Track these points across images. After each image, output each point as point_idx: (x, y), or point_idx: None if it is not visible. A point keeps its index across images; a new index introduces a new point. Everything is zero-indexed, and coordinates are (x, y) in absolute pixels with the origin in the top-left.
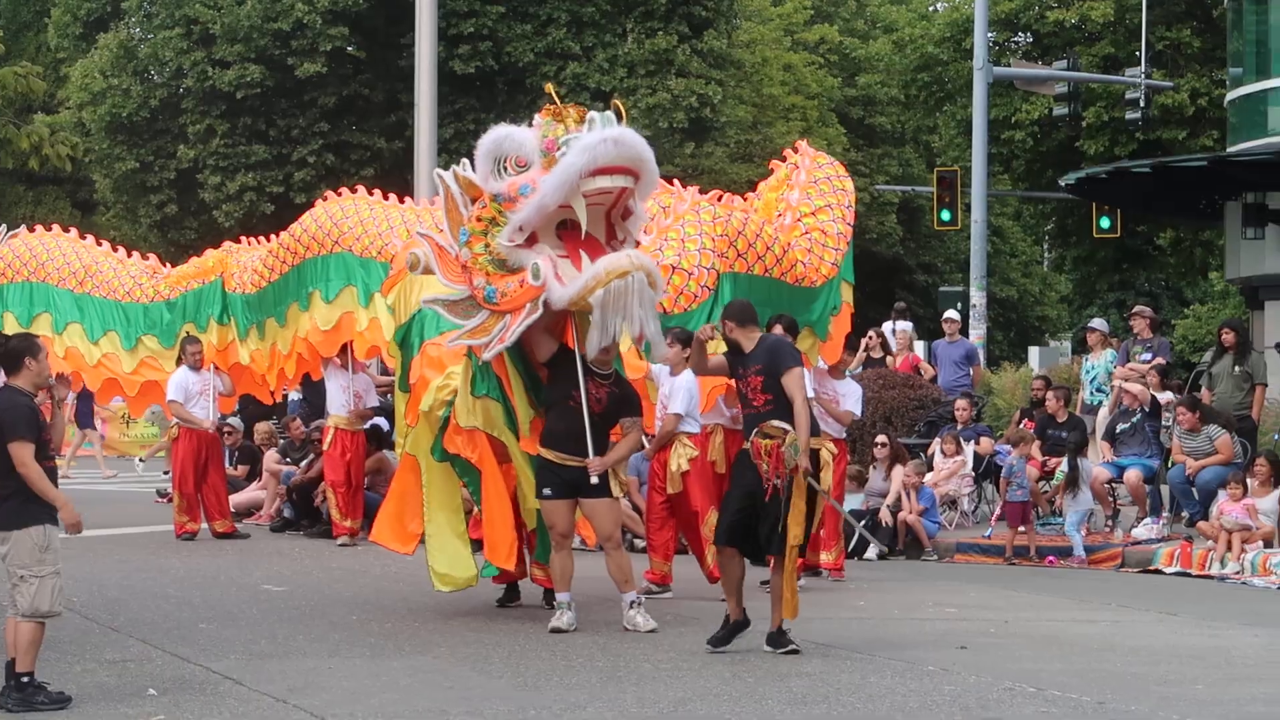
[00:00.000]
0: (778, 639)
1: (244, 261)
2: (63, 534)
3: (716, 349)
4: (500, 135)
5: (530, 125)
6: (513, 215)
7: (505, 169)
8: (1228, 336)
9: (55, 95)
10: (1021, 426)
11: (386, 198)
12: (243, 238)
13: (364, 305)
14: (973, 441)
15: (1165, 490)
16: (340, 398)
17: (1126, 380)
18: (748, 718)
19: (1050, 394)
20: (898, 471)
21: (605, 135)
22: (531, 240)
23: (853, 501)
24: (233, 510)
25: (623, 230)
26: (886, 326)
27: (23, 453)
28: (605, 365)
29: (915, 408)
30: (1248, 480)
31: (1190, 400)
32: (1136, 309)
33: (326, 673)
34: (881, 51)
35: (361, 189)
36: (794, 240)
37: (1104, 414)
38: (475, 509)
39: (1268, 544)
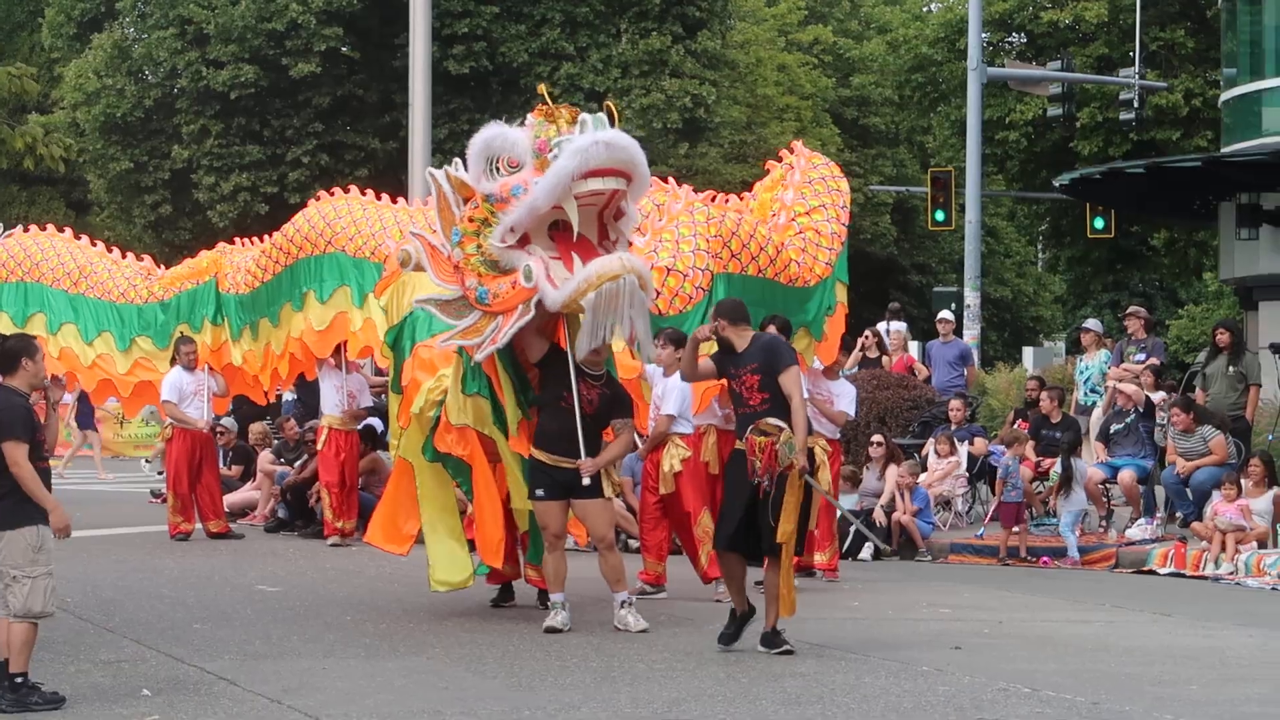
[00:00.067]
0: (772, 639)
1: (238, 262)
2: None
3: (710, 350)
4: (492, 135)
5: (523, 125)
6: (504, 216)
7: (497, 169)
8: (1222, 337)
9: (49, 95)
10: (1016, 427)
11: (380, 198)
12: (237, 238)
13: (358, 306)
14: (967, 442)
15: (1159, 491)
16: (334, 398)
17: (1121, 381)
18: (742, 718)
19: (1044, 394)
20: (892, 472)
21: (597, 138)
22: (524, 241)
23: (847, 502)
24: (227, 510)
25: (615, 231)
26: (881, 327)
27: (16, 453)
28: (596, 366)
29: (909, 408)
30: (1242, 481)
31: (1184, 401)
32: (1131, 309)
33: (321, 673)
34: (876, 52)
35: (354, 189)
36: (788, 240)
37: (1098, 414)
38: (469, 509)
39: (1262, 544)
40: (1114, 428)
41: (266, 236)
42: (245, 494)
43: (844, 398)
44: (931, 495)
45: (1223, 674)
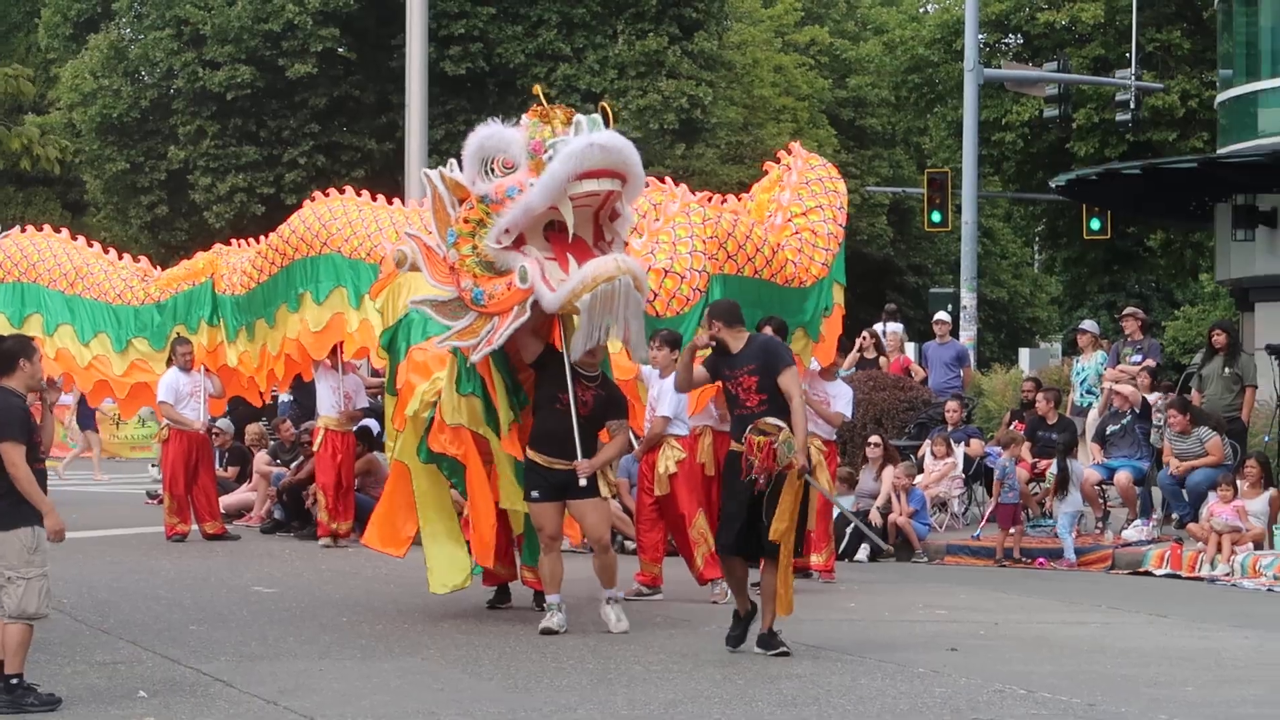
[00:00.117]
0: (768, 641)
1: (234, 263)
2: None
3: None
4: (487, 136)
5: (518, 124)
6: (500, 217)
7: (492, 170)
8: (1218, 338)
9: (45, 96)
10: (1012, 428)
11: (375, 199)
12: (233, 239)
13: (354, 307)
14: (963, 443)
15: (1155, 492)
16: (330, 399)
17: (1117, 382)
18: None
19: (1040, 396)
20: (888, 473)
21: (592, 139)
22: (519, 242)
23: (843, 504)
24: (223, 512)
25: (610, 232)
26: (877, 328)
27: (14, 454)
28: (592, 368)
29: (906, 409)
30: (1238, 482)
31: (1180, 403)
32: (1128, 310)
33: (317, 674)
34: (872, 53)
35: (350, 190)
36: (784, 240)
37: (1094, 416)
38: (466, 510)
39: (1258, 546)
40: (1110, 429)
41: (263, 237)
42: (241, 495)
43: (840, 399)
44: (928, 497)
45: (1218, 675)
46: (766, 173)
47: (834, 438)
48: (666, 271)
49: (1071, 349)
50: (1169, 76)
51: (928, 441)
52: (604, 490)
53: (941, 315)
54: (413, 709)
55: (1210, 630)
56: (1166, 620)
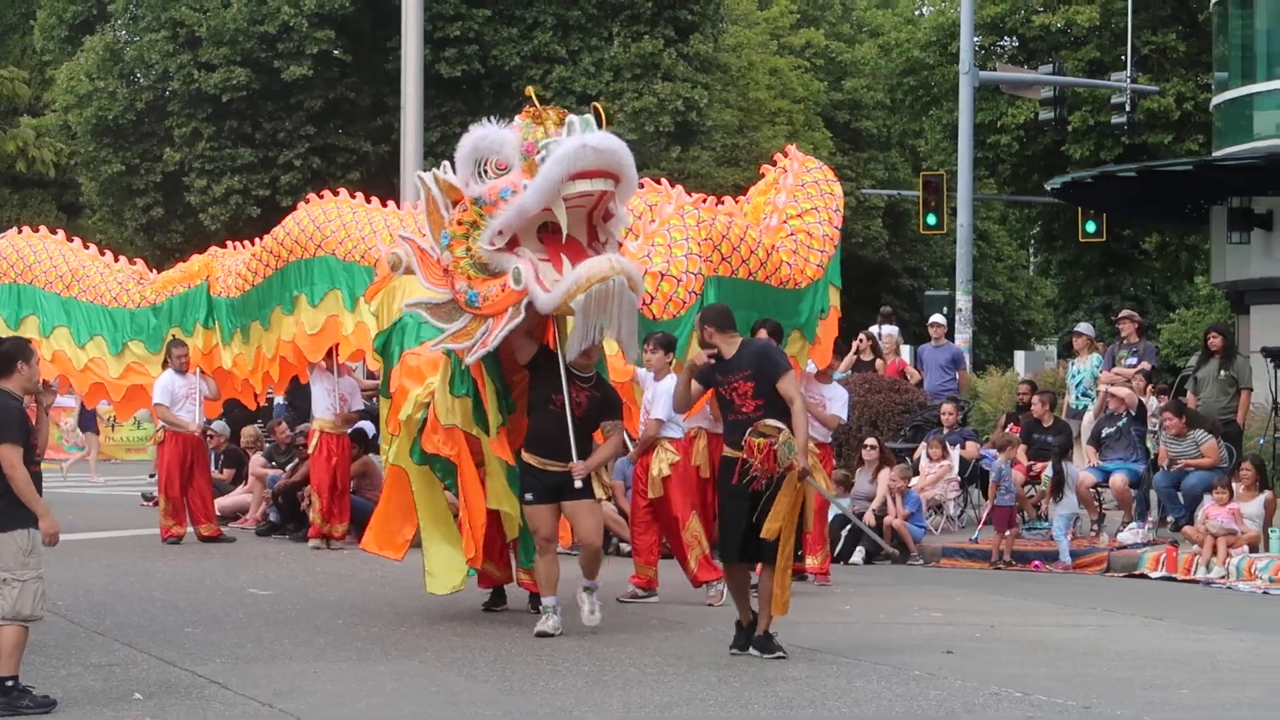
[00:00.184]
0: (765, 643)
1: (229, 265)
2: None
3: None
4: (480, 137)
5: (510, 124)
6: (493, 219)
7: (485, 172)
8: (1214, 341)
9: (41, 98)
10: (1007, 431)
11: (369, 201)
12: (229, 241)
13: (349, 309)
14: (958, 446)
15: (1151, 495)
16: (325, 401)
17: (1112, 385)
18: None
19: (1036, 398)
20: (884, 475)
21: (585, 140)
22: (513, 243)
23: (835, 506)
24: (218, 514)
25: (604, 232)
26: (872, 331)
27: (12, 456)
28: (586, 369)
29: (901, 412)
30: (1233, 485)
31: (1176, 405)
32: (1124, 313)
33: (312, 677)
34: (867, 55)
35: (344, 192)
36: (779, 242)
37: (1089, 418)
38: (461, 512)
39: (1253, 548)
40: (1105, 431)
41: (258, 239)
42: (237, 497)
43: (836, 401)
44: (923, 499)
45: (1214, 678)
46: (762, 175)
47: (829, 440)
48: (663, 275)
49: (1067, 352)
50: (1164, 79)
51: (923, 444)
52: (598, 492)
53: (937, 318)
54: (408, 711)
55: (1206, 633)
56: (1162, 623)
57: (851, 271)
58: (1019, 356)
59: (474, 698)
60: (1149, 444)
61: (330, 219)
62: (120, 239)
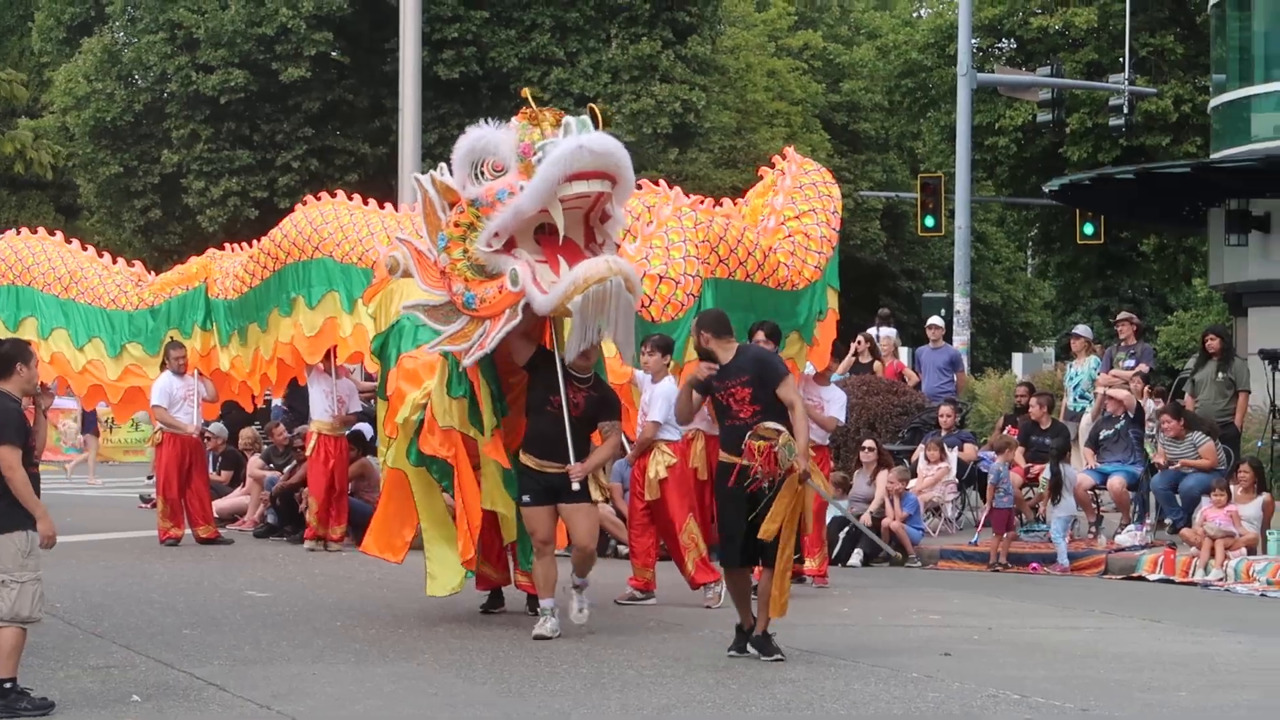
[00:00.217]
0: (763, 643)
1: (227, 267)
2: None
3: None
4: (476, 139)
5: (507, 125)
6: (490, 221)
7: (482, 174)
8: (1212, 343)
9: (39, 100)
10: (1005, 433)
11: (366, 202)
12: (226, 243)
13: (347, 311)
14: (956, 448)
15: (1150, 497)
16: (323, 403)
17: (1110, 387)
18: None
19: (1034, 400)
20: (882, 477)
21: (581, 141)
22: (510, 245)
23: (835, 508)
24: (216, 516)
25: (601, 233)
26: (870, 333)
27: (11, 457)
28: (585, 370)
29: (899, 414)
30: (1231, 487)
31: (1174, 408)
32: (1123, 315)
33: (310, 679)
34: (865, 57)
35: (341, 194)
36: (776, 243)
37: (1087, 420)
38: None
39: (1251, 551)
40: (1103, 434)
41: (256, 241)
42: (235, 499)
43: (834, 403)
44: (921, 501)
45: (1212, 680)
46: (761, 178)
47: (827, 442)
48: (662, 277)
49: (1065, 354)
50: (1162, 81)
51: (921, 446)
52: (595, 494)
53: (935, 320)
54: (406, 713)
55: (1203, 635)
56: (1160, 625)
57: (849, 273)
58: (1017, 359)
59: (472, 700)
60: (1147, 446)
61: (328, 221)
62: (118, 241)
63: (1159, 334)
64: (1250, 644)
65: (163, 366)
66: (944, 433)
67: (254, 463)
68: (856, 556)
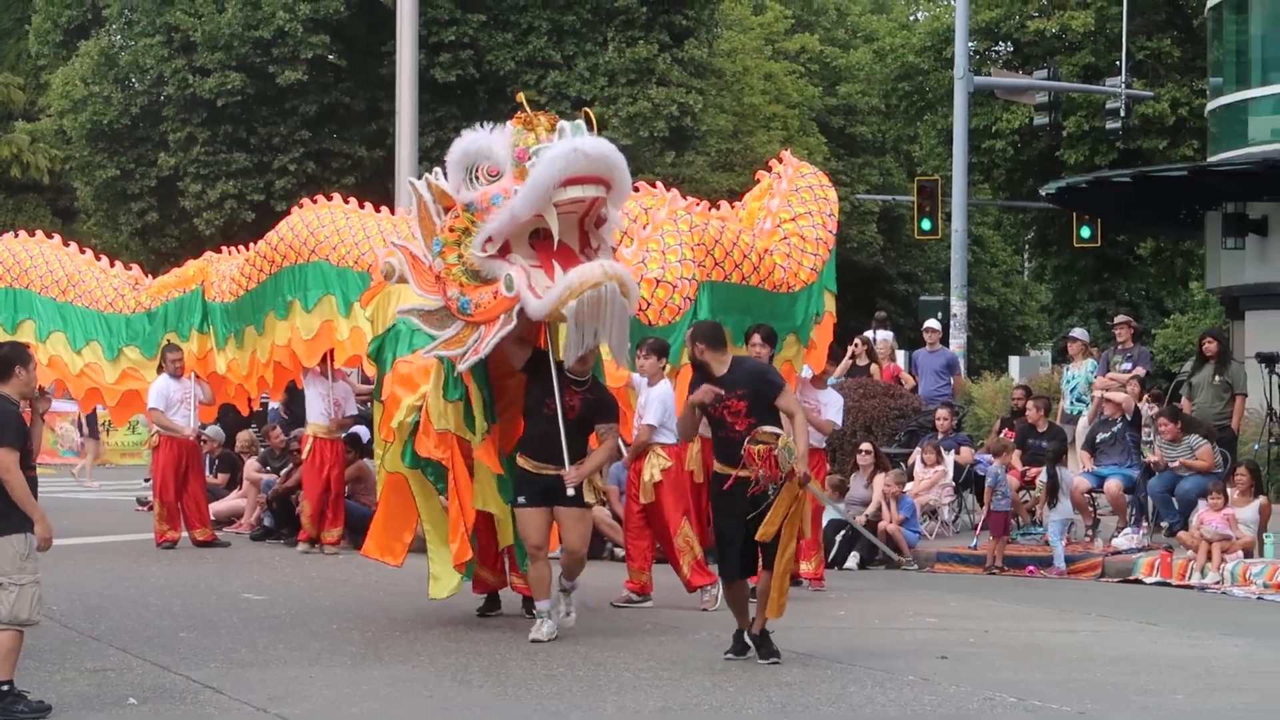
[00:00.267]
0: (761, 641)
1: (224, 270)
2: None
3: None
4: (471, 143)
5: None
6: (485, 225)
7: (477, 178)
8: (1209, 346)
9: (36, 103)
10: (1002, 436)
11: (363, 205)
12: (224, 246)
13: (343, 314)
14: (953, 451)
15: (1146, 500)
16: (319, 406)
17: (1107, 390)
18: None
19: (1030, 403)
20: (879, 480)
21: (576, 145)
22: (505, 250)
23: (834, 511)
24: (213, 518)
25: (596, 238)
26: (867, 335)
27: (8, 460)
28: (582, 374)
29: (896, 417)
30: (1228, 490)
31: (1172, 411)
32: (1120, 318)
33: (307, 681)
34: (862, 61)
35: (338, 197)
36: (773, 245)
37: (1084, 423)
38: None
39: (1248, 554)
40: (1100, 437)
41: (253, 244)
42: (231, 502)
43: (831, 407)
44: (918, 504)
45: (1208, 683)
46: (757, 181)
47: (824, 445)
48: (659, 281)
49: (1061, 357)
50: (1159, 84)
51: (918, 449)
52: (589, 497)
53: (931, 323)
54: (403, 716)
55: (1200, 638)
56: (1156, 628)
57: (846, 277)
58: (1014, 362)
59: (468, 703)
60: (1144, 449)
61: (324, 224)
62: (115, 244)
63: (1156, 337)
64: (1247, 647)
65: (159, 369)
66: (941, 436)
67: (251, 465)
68: (853, 559)
